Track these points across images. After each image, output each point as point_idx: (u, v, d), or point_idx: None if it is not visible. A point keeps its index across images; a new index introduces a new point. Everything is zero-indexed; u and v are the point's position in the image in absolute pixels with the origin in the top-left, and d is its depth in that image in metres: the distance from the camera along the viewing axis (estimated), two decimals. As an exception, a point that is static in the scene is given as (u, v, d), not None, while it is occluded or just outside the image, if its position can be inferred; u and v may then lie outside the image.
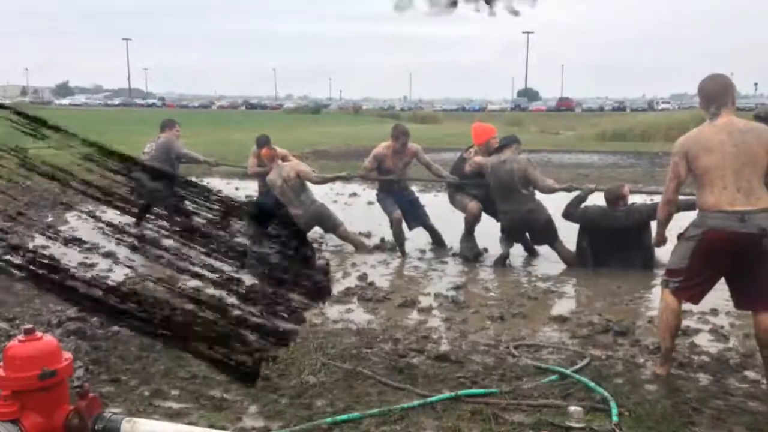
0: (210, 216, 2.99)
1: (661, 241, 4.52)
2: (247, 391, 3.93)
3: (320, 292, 2.76)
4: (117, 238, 3.08)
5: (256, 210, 2.92)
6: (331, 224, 8.34)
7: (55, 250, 7.86)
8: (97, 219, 3.33)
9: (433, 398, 3.79)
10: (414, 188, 9.55)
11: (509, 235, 7.48)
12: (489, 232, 7.76)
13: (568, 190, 7.52)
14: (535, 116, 62.68)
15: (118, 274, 6.79)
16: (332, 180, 9.11)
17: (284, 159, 8.65)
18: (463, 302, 5.88)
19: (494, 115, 60.62)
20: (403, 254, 7.86)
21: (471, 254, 7.59)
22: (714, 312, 5.51)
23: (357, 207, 11.42)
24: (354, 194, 12.75)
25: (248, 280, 2.92)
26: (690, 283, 4.13)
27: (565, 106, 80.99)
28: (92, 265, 7.20)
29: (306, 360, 4.34)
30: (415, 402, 3.74)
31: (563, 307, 5.88)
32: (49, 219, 9.99)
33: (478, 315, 5.56)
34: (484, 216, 7.75)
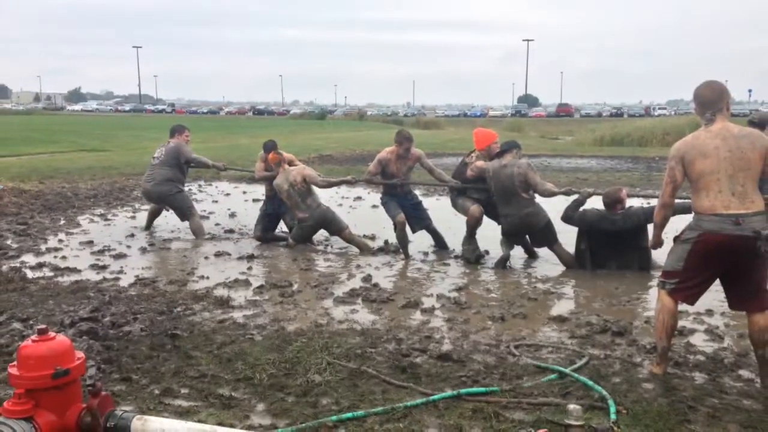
0: None
1: (658, 243, 4.57)
2: (255, 389, 4.03)
3: None
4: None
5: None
6: (336, 227, 8.43)
7: (68, 252, 7.99)
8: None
9: (436, 396, 3.85)
10: (417, 192, 9.63)
11: (510, 238, 7.54)
12: (490, 234, 7.82)
13: (567, 193, 7.58)
14: (535, 122, 62.61)
15: (128, 276, 6.94)
16: (337, 184, 9.17)
17: (291, 163, 8.74)
18: (465, 303, 5.94)
19: (495, 120, 60.60)
20: (407, 256, 7.92)
21: (472, 256, 7.66)
22: (709, 313, 5.58)
23: (361, 210, 11.50)
24: (359, 198, 12.83)
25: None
26: (686, 284, 4.19)
27: (564, 112, 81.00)
28: (104, 267, 7.32)
29: (312, 359, 4.43)
30: (418, 400, 3.80)
31: (562, 307, 5.94)
32: (62, 222, 10.08)
33: (479, 315, 5.63)
34: (486, 219, 7.81)
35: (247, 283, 6.64)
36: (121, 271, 7.12)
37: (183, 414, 3.68)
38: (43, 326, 2.90)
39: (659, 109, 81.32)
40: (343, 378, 4.18)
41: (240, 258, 7.84)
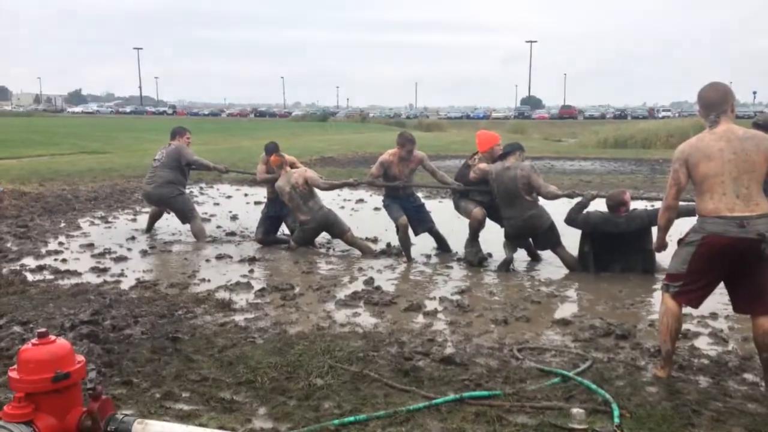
0: None
1: (662, 246, 4.55)
2: (256, 393, 4.01)
3: None
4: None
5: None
6: (338, 230, 8.42)
7: (69, 255, 7.98)
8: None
9: (438, 400, 3.83)
10: (419, 194, 9.62)
11: (513, 241, 7.52)
12: (493, 237, 7.81)
13: (571, 196, 7.57)
14: (538, 124, 62.73)
15: (129, 279, 6.93)
16: (339, 186, 9.17)
17: (292, 166, 8.73)
18: (468, 306, 5.92)
19: (498, 122, 60.76)
20: (409, 259, 7.90)
21: (475, 259, 7.64)
22: (713, 316, 5.57)
23: (364, 213, 11.49)
24: (361, 200, 12.82)
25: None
26: (690, 287, 4.18)
27: (567, 113, 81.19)
28: (105, 270, 7.31)
29: (314, 363, 4.41)
30: (421, 404, 3.79)
31: (566, 310, 5.92)
32: (62, 225, 10.07)
33: (482, 318, 5.61)
34: (488, 221, 7.80)
35: (248, 286, 6.63)
36: (121, 274, 7.11)
37: (184, 418, 3.67)
38: (44, 329, 2.89)
39: (663, 111, 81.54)
40: (345, 381, 4.17)
41: (241, 261, 7.83)
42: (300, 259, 7.94)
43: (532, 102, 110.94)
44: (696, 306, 4.39)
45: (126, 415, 2.99)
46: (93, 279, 6.90)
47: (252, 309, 5.86)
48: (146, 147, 24.81)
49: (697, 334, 5.17)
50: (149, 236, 9.40)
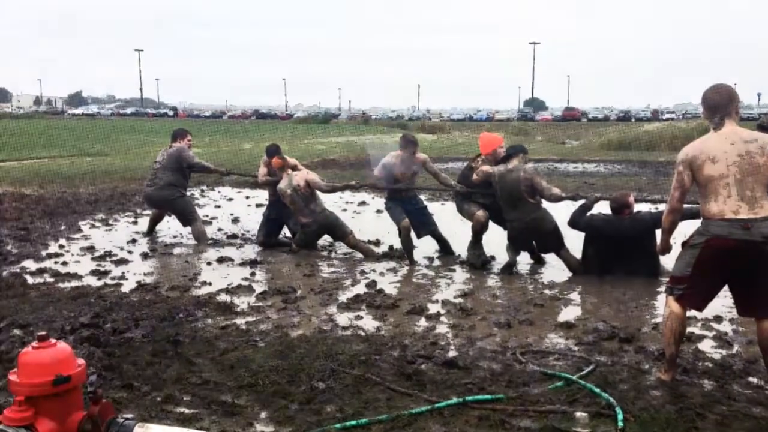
0: None
1: (666, 248, 4.54)
2: (258, 396, 4.00)
3: None
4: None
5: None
6: (340, 232, 8.40)
7: (69, 258, 7.97)
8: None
9: (441, 404, 3.82)
10: (422, 197, 9.60)
11: (516, 243, 7.50)
12: (496, 240, 7.79)
13: (574, 198, 7.54)
14: (541, 126, 62.46)
15: (130, 282, 6.92)
16: (341, 189, 9.15)
17: (294, 168, 8.72)
18: (471, 309, 5.90)
19: (501, 124, 60.62)
20: (412, 262, 7.88)
21: (478, 262, 7.62)
22: (718, 319, 5.54)
23: (366, 215, 11.48)
24: (363, 203, 12.82)
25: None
26: (694, 290, 4.16)
27: (571, 115, 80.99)
28: (105, 273, 7.29)
29: (315, 366, 4.39)
30: (423, 408, 3.78)
31: (569, 313, 5.90)
32: (63, 227, 10.06)
33: (485, 322, 5.59)
34: (491, 224, 7.78)
35: (250, 289, 6.61)
36: (122, 277, 7.09)
37: (185, 421, 3.66)
38: (44, 333, 2.88)
39: (667, 113, 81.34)
40: (347, 385, 4.15)
41: (243, 263, 7.81)
42: (302, 262, 7.92)
43: (535, 104, 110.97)
44: (700, 309, 4.40)
45: (127, 418, 2.98)
46: (93, 282, 6.89)
47: (253, 312, 5.84)
48: (147, 149, 24.79)
49: (701, 337, 5.15)
50: (150, 239, 9.39)
